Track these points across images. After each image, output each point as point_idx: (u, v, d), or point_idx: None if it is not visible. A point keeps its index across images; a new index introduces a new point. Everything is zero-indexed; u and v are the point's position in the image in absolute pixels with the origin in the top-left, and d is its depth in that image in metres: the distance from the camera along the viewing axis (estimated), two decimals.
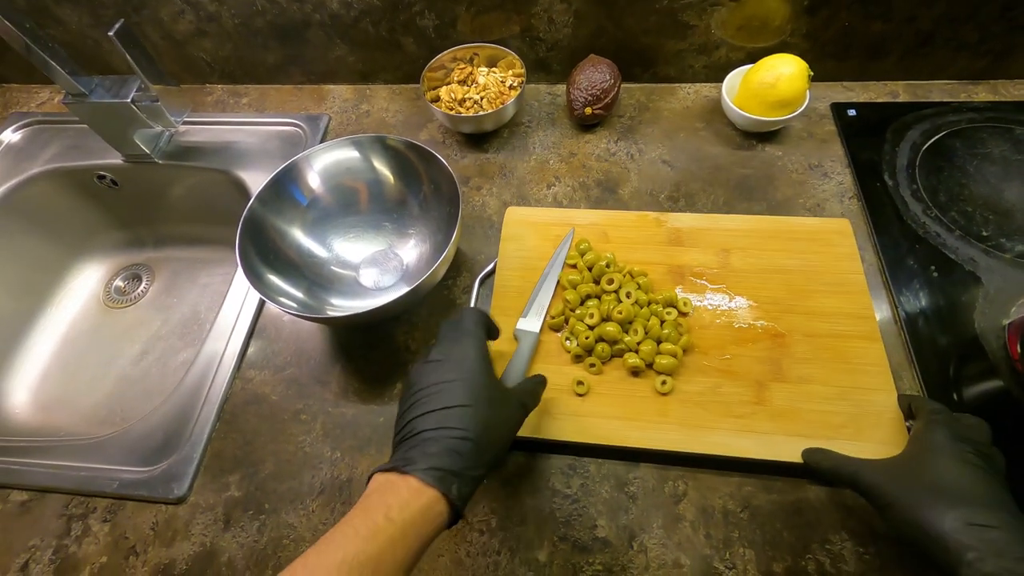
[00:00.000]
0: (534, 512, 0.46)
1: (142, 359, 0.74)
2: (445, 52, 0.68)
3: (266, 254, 0.53)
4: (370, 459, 0.49)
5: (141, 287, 0.81)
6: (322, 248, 0.58)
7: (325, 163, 0.56)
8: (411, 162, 0.55)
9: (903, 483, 0.36)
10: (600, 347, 0.50)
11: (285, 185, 0.55)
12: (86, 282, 0.81)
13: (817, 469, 0.42)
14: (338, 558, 0.29)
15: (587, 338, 0.50)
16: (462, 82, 0.69)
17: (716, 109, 0.69)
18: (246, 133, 0.74)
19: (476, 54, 0.70)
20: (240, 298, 0.59)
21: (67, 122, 0.77)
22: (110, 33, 0.54)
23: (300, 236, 0.57)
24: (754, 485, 0.45)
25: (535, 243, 0.58)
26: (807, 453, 0.44)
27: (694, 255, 0.56)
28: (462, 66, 0.70)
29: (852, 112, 0.66)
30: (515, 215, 0.60)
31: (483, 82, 0.68)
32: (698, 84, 0.71)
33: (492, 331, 0.44)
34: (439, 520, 0.33)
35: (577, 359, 0.50)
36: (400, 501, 0.32)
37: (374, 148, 0.56)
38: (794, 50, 0.64)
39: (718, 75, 0.69)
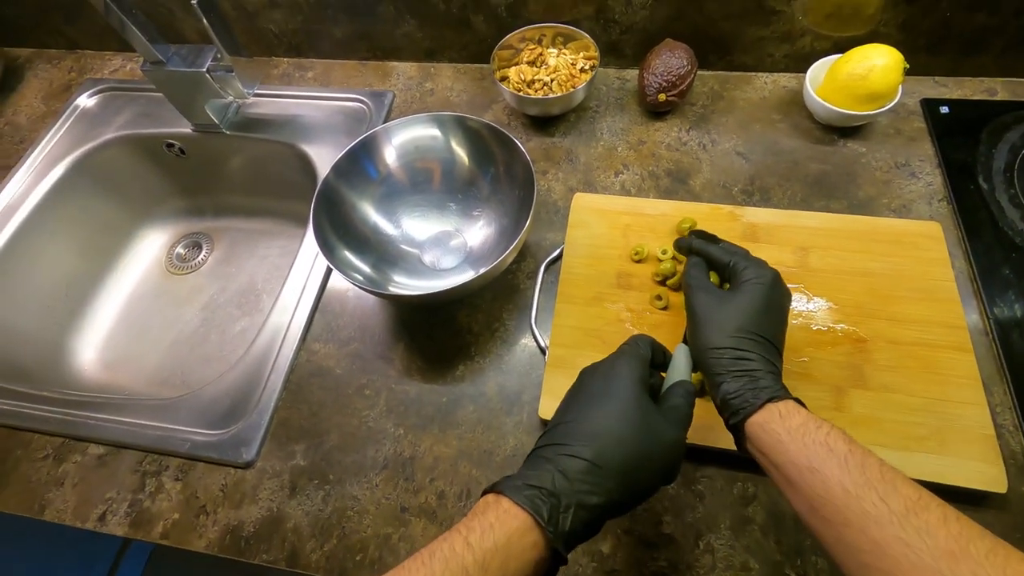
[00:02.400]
0: None
1: (201, 325, 0.76)
2: (515, 32, 0.67)
3: (337, 226, 0.53)
4: (433, 438, 0.49)
5: (201, 255, 0.83)
6: (390, 224, 0.58)
7: (403, 138, 0.56)
8: (487, 144, 0.54)
9: (714, 312, 0.38)
10: None
11: (361, 157, 0.54)
12: (150, 247, 0.83)
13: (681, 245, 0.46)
14: None
15: None
16: (531, 63, 0.67)
17: (795, 101, 0.66)
18: (311, 107, 0.74)
19: (544, 34, 0.68)
20: (305, 270, 0.60)
21: (139, 90, 0.79)
22: (193, 2, 0.54)
23: (370, 210, 0.57)
24: None
25: (603, 231, 0.57)
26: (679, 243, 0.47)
27: (770, 252, 0.53)
28: (532, 47, 0.68)
29: (945, 109, 0.62)
30: (583, 201, 0.59)
31: (553, 64, 0.66)
32: (776, 74, 0.68)
33: (662, 354, 0.39)
34: (530, 554, 0.28)
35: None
36: (484, 524, 0.28)
37: (454, 127, 0.55)
38: (885, 41, 0.60)
39: (799, 65, 0.66)
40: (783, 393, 0.34)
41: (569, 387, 0.36)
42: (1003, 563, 0.23)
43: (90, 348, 0.75)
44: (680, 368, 0.38)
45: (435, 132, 0.56)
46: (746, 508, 0.44)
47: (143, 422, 0.53)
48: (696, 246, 0.45)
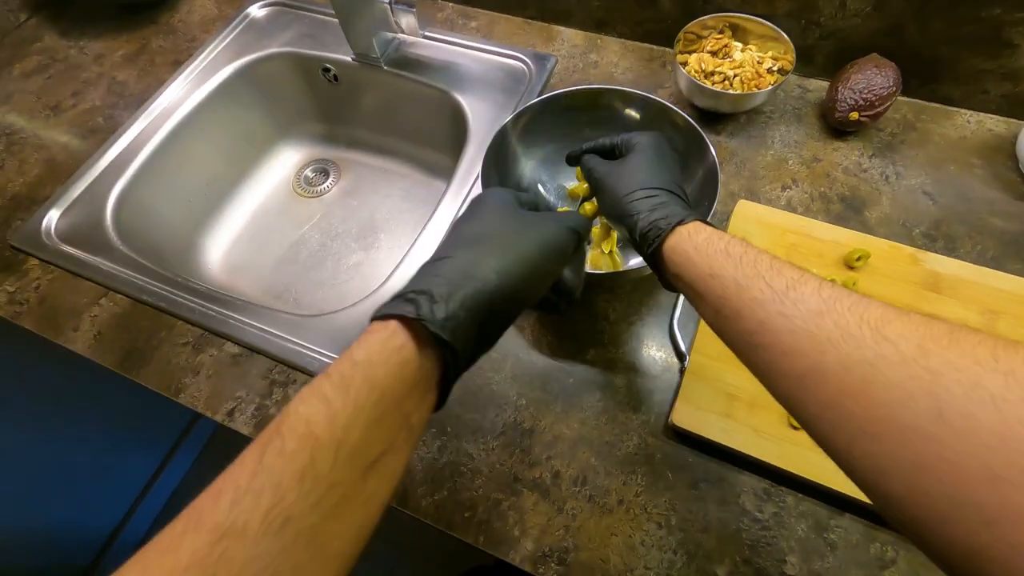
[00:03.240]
0: (718, 525, 0.43)
1: (319, 251, 0.78)
2: (702, 18, 0.63)
3: (502, 174, 0.52)
4: (555, 416, 0.48)
5: (327, 182, 0.84)
6: (545, 189, 0.57)
7: (599, 104, 0.53)
8: (676, 136, 0.51)
9: (615, 178, 0.40)
10: None
11: (545, 114, 0.53)
12: (282, 165, 0.86)
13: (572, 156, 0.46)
14: (262, 438, 0.23)
15: None
16: (714, 53, 0.63)
17: (1002, 148, 0.59)
18: (470, 58, 0.73)
19: (727, 25, 0.64)
20: (449, 217, 0.59)
21: (307, 9, 0.80)
22: None
23: (533, 169, 0.55)
24: None
25: (765, 244, 0.53)
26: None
27: (953, 307, 0.49)
28: (716, 36, 0.64)
29: None
30: (747, 210, 0.56)
31: (739, 59, 0.62)
32: (985, 114, 0.61)
33: (612, 147, 0.44)
34: (402, 355, 0.25)
35: None
36: (348, 354, 0.25)
37: (658, 111, 0.52)
38: None
39: (1014, 109, 0.59)
40: (691, 216, 0.35)
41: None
42: (863, 311, 0.24)
43: (217, 248, 0.78)
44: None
45: (632, 113, 0.53)
46: (882, 572, 0.41)
47: (277, 331, 0.54)
48: (584, 147, 0.45)
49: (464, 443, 0.48)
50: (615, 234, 0.51)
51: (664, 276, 0.36)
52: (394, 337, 0.25)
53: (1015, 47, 0.55)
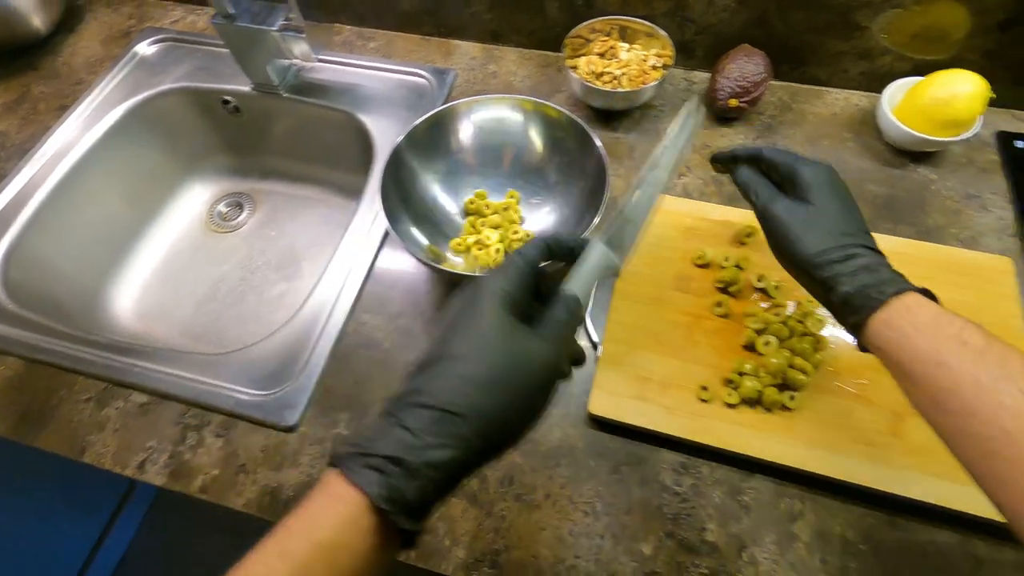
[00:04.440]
0: (641, 504, 0.45)
1: (239, 285, 0.76)
2: (588, 22, 0.66)
3: (402, 195, 0.52)
4: None
5: (242, 215, 0.82)
6: (451, 201, 0.58)
7: (484, 116, 0.55)
8: (564, 135, 0.54)
9: (802, 224, 0.35)
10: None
11: (436, 128, 0.54)
12: (193, 202, 0.83)
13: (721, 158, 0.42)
14: None
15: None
16: (602, 55, 0.66)
17: (866, 120, 0.64)
18: (371, 78, 0.73)
19: (614, 28, 0.67)
20: (359, 238, 0.59)
21: (199, 43, 0.78)
22: None
23: (433, 184, 0.56)
24: (877, 518, 0.43)
25: (664, 231, 0.56)
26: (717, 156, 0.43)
27: None
28: (603, 38, 0.67)
29: (1021, 144, 0.61)
30: None
31: (625, 58, 0.65)
32: (849, 91, 0.67)
33: (554, 249, 0.32)
34: (370, 541, 0.23)
35: (728, 383, 0.47)
36: (307, 521, 0.23)
37: (536, 114, 0.54)
38: (967, 67, 0.59)
39: (874, 84, 0.65)
40: (907, 285, 0.32)
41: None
42: None
43: (126, 296, 0.75)
44: (582, 274, 0.31)
45: (515, 115, 0.55)
46: (792, 524, 0.44)
47: (187, 375, 0.52)
48: (742, 152, 0.41)
49: None
50: (499, 231, 0.53)
51: (863, 343, 0.33)
52: (363, 518, 0.23)
53: (863, 28, 0.61)
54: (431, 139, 0.54)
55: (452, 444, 0.24)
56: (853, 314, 0.33)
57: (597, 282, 0.32)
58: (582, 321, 0.30)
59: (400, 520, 0.23)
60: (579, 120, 0.51)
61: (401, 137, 0.51)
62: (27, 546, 1.16)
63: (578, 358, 0.31)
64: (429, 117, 0.52)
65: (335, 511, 0.23)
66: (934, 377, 0.28)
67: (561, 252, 0.32)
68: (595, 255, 0.32)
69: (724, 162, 0.43)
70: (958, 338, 0.28)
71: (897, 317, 0.31)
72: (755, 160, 0.40)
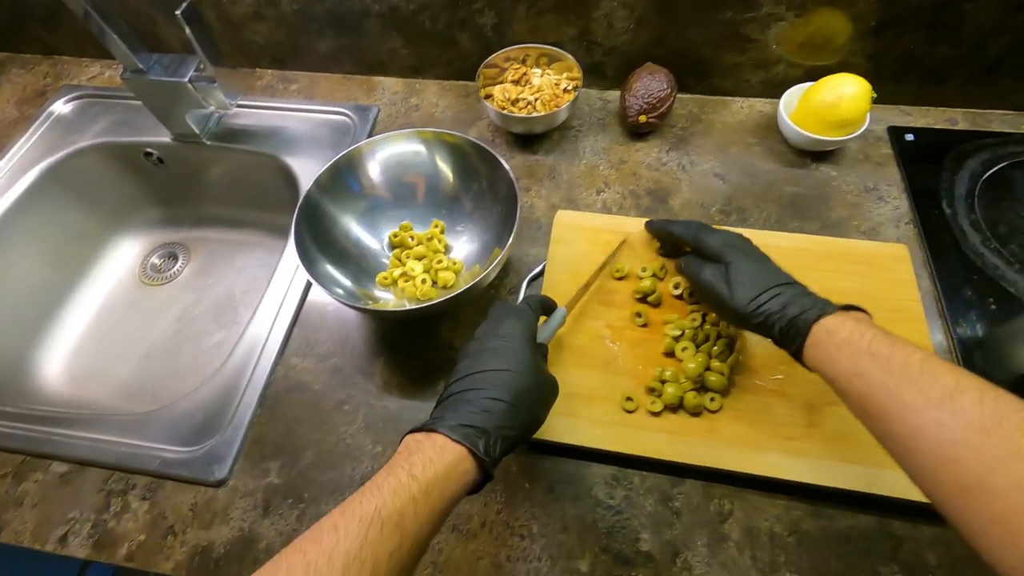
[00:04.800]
0: (576, 521, 0.45)
1: (175, 337, 0.75)
2: (501, 51, 0.68)
3: (318, 240, 0.53)
4: None
5: (177, 266, 0.81)
6: (373, 238, 0.58)
7: (387, 154, 0.56)
8: (471, 161, 0.55)
9: (730, 284, 0.43)
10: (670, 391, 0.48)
11: (344, 172, 0.54)
12: (123, 257, 0.81)
13: (660, 232, 0.54)
14: (359, 512, 0.29)
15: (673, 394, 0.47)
16: (516, 82, 0.69)
17: (770, 125, 0.68)
18: (295, 119, 0.74)
19: (528, 55, 0.69)
20: (285, 282, 0.59)
21: (117, 97, 0.77)
22: (177, 12, 0.54)
23: (352, 225, 0.57)
24: (802, 509, 0.45)
25: (584, 248, 0.58)
26: (649, 224, 0.55)
27: None
28: (516, 66, 0.69)
29: (910, 137, 0.65)
30: (565, 219, 0.60)
31: (538, 83, 0.68)
32: (753, 99, 0.71)
33: (547, 307, 0.46)
34: (465, 478, 0.32)
35: (651, 391, 0.49)
36: (424, 459, 0.31)
37: (437, 143, 0.56)
38: (854, 70, 0.63)
39: (774, 91, 0.68)
40: (825, 309, 0.36)
41: (471, 343, 0.40)
42: None
43: (56, 360, 0.72)
44: (548, 331, 0.45)
45: (419, 148, 0.56)
46: (722, 525, 0.45)
47: (110, 438, 0.51)
48: (656, 228, 0.54)
49: (323, 505, 0.47)
50: (414, 258, 0.56)
51: (808, 367, 0.38)
52: (463, 463, 0.32)
53: (754, 40, 0.64)
54: (340, 183, 0.55)
55: (515, 426, 0.35)
56: (790, 344, 0.38)
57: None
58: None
59: (490, 467, 0.33)
60: (483, 144, 0.53)
61: (310, 185, 0.52)
62: None
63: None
64: (332, 164, 0.53)
65: (446, 457, 0.32)
66: (856, 388, 0.32)
67: (547, 309, 0.46)
68: (557, 316, 0.46)
69: (657, 233, 0.55)
70: (868, 351, 0.32)
71: (821, 340, 0.35)
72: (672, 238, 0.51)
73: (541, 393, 0.38)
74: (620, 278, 0.55)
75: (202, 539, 0.46)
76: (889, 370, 0.31)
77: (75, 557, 0.46)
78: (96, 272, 0.79)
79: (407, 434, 0.34)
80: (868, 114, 0.60)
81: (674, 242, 0.54)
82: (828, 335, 0.35)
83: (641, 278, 0.54)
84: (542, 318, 0.46)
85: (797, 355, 0.38)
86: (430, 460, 0.31)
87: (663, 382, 0.48)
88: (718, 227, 0.48)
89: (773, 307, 0.39)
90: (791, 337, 0.37)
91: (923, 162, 0.63)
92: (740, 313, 0.41)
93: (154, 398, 0.69)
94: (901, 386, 0.30)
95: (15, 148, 0.73)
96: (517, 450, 0.48)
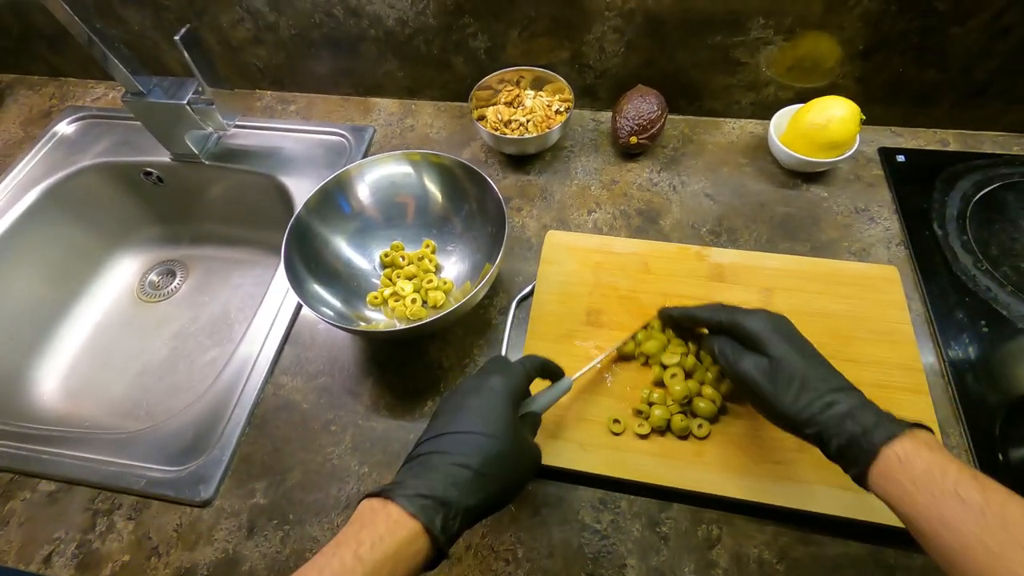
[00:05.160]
0: (562, 545, 0.45)
1: (170, 355, 0.75)
2: (494, 74, 0.69)
3: (309, 261, 0.53)
4: None
5: (175, 283, 0.82)
6: (363, 259, 0.59)
7: (376, 175, 0.57)
8: (460, 181, 0.56)
9: (775, 382, 0.37)
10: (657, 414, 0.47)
11: (334, 194, 0.55)
12: (122, 274, 0.82)
13: (683, 319, 0.47)
14: None
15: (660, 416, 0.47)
16: (509, 104, 0.70)
17: (761, 146, 0.68)
18: (292, 140, 0.75)
19: (522, 77, 0.71)
20: (277, 302, 0.60)
21: (119, 118, 0.79)
22: (176, 37, 0.56)
23: (343, 246, 0.57)
24: (791, 536, 0.44)
25: (574, 268, 0.58)
26: (665, 312, 0.49)
27: (736, 292, 0.55)
28: (509, 88, 0.70)
29: (901, 158, 0.65)
30: (555, 239, 0.60)
31: (530, 105, 0.68)
32: (743, 120, 0.71)
33: (549, 371, 0.42)
34: (417, 558, 0.30)
35: (638, 413, 0.48)
36: (374, 536, 0.29)
37: (426, 164, 0.56)
38: (843, 92, 0.64)
39: (764, 112, 0.69)
40: (894, 428, 0.32)
41: (451, 397, 0.38)
42: None
43: (53, 377, 0.73)
44: (544, 399, 0.42)
45: (408, 169, 0.57)
46: (710, 551, 0.44)
47: (98, 457, 0.51)
48: (677, 315, 0.47)
49: (308, 527, 0.47)
50: (404, 278, 0.56)
51: (874, 493, 0.33)
52: (416, 540, 0.30)
53: (744, 64, 0.65)
54: (330, 205, 0.55)
55: (481, 495, 0.32)
56: (851, 468, 0.33)
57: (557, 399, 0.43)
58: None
59: (444, 545, 0.30)
60: (471, 165, 0.53)
61: (299, 208, 0.52)
62: None
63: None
64: (321, 187, 0.54)
65: (398, 533, 0.29)
66: (942, 538, 0.28)
67: (546, 371, 0.42)
68: (560, 387, 0.43)
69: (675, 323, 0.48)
70: (955, 495, 0.28)
71: (892, 470, 0.30)
72: (712, 326, 0.44)
73: (517, 464, 0.35)
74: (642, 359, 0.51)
75: (186, 560, 0.46)
76: (987, 526, 0.26)
77: None
78: (94, 289, 0.80)
79: (364, 498, 0.32)
80: (858, 136, 0.61)
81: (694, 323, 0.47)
82: (901, 465, 0.30)
83: (666, 366, 0.49)
84: (544, 382, 0.43)
85: (860, 480, 0.33)
86: (380, 538, 0.29)
87: (650, 404, 0.48)
88: (749, 307, 0.42)
89: (830, 419, 0.34)
90: (851, 459, 0.32)
91: (914, 183, 0.63)
92: (789, 419, 0.36)
93: (148, 415, 0.69)
94: (1007, 551, 0.25)
95: (18, 168, 0.75)
96: None
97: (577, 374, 0.45)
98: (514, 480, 0.35)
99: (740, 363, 0.39)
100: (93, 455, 0.51)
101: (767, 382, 0.37)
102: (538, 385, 0.43)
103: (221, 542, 0.46)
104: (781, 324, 0.39)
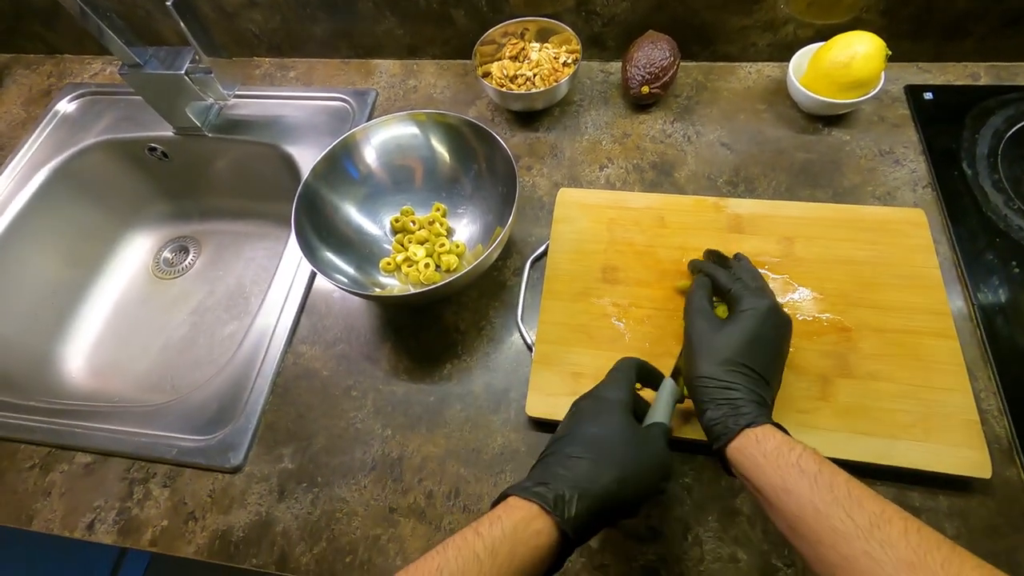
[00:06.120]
0: None
1: (190, 330, 0.76)
2: (497, 27, 0.66)
3: (320, 229, 0.53)
4: (421, 438, 0.49)
5: (188, 259, 0.82)
6: (374, 224, 0.58)
7: (382, 138, 0.55)
8: (468, 141, 0.54)
9: (707, 343, 0.39)
10: None
11: (341, 159, 0.54)
12: (136, 252, 0.83)
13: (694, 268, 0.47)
14: (424, 569, 0.29)
15: None
16: (514, 58, 0.67)
17: (779, 90, 0.65)
18: (294, 107, 0.73)
19: (527, 29, 0.68)
20: (290, 272, 0.60)
21: (119, 93, 0.78)
22: (168, 3, 0.54)
23: (353, 211, 0.56)
24: None
25: (588, 225, 0.57)
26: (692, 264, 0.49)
27: (755, 243, 0.54)
28: (514, 41, 0.68)
29: (928, 95, 0.62)
30: (568, 196, 0.59)
31: (536, 58, 0.66)
32: (760, 63, 0.68)
33: (646, 373, 0.42)
34: (539, 540, 0.30)
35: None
36: (492, 517, 0.31)
37: (432, 125, 0.55)
38: (867, 27, 0.60)
39: (783, 54, 0.65)
40: (761, 419, 0.35)
41: (563, 396, 0.40)
42: (957, 571, 0.25)
43: (78, 355, 0.74)
44: (660, 407, 0.40)
45: (414, 130, 0.55)
46: (734, 499, 0.44)
47: (130, 429, 0.52)
48: (703, 267, 0.46)
49: (336, 489, 0.48)
50: (416, 243, 0.55)
51: (728, 469, 0.36)
52: (535, 521, 0.31)
53: (761, 1, 0.62)
54: (336, 171, 0.54)
55: (598, 483, 0.33)
56: (714, 441, 0.36)
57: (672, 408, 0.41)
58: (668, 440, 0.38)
59: (565, 524, 0.31)
60: (479, 123, 0.52)
61: (306, 174, 0.51)
62: None
63: (670, 474, 0.38)
64: (327, 153, 0.53)
65: (515, 515, 0.31)
66: (785, 503, 0.31)
67: (642, 374, 0.41)
68: (668, 391, 0.41)
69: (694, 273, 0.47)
70: (797, 466, 0.31)
71: (748, 446, 0.34)
72: (710, 275, 0.44)
73: (636, 456, 0.35)
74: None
75: (221, 523, 0.47)
76: (817, 488, 0.30)
77: (105, 544, 0.47)
78: (111, 268, 0.80)
79: (493, 504, 0.34)
80: (883, 73, 0.57)
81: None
82: (756, 442, 0.34)
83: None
84: (650, 393, 0.42)
85: (717, 455, 0.36)
86: (498, 518, 0.31)
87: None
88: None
89: (717, 396, 0.36)
90: (716, 434, 0.36)
91: (942, 122, 0.60)
92: (690, 377, 0.39)
93: (173, 388, 0.71)
94: (830, 509, 0.29)
95: (24, 149, 0.74)
96: (523, 429, 0.48)
97: (669, 377, 0.43)
98: (636, 472, 0.34)
99: (695, 319, 0.41)
100: (124, 427, 0.52)
101: (702, 344, 0.39)
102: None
103: (253, 505, 0.48)
104: (767, 312, 0.39)
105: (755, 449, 0.33)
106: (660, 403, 0.40)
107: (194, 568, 0.61)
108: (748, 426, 0.34)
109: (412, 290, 0.46)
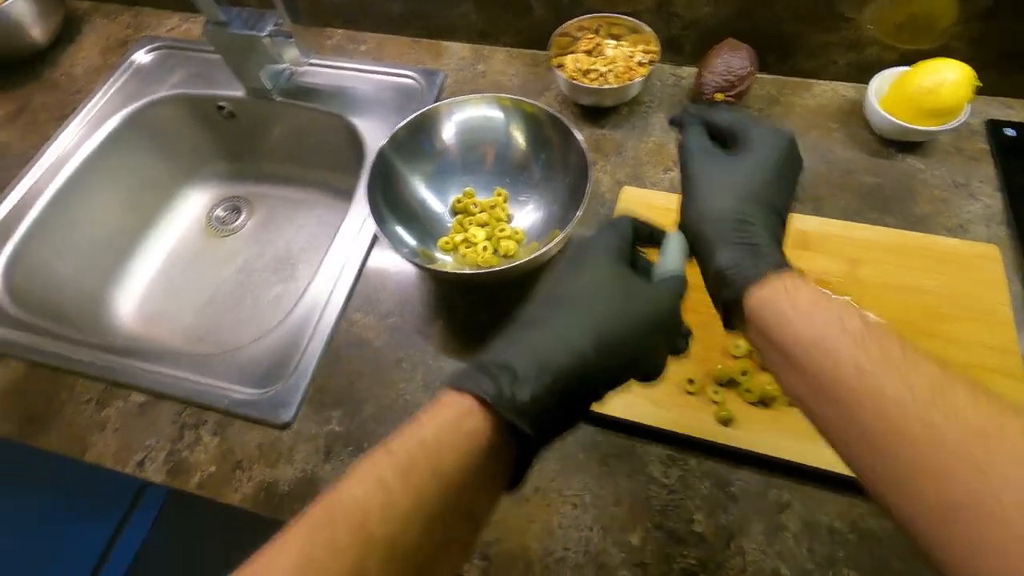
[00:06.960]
0: (629, 495, 0.45)
1: (236, 288, 0.77)
2: (573, 20, 0.66)
3: (388, 198, 0.53)
4: None
5: (240, 219, 0.84)
6: (438, 202, 0.59)
7: (464, 116, 0.56)
8: (544, 131, 0.54)
9: (712, 179, 0.31)
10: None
11: (420, 130, 0.55)
12: (191, 207, 0.84)
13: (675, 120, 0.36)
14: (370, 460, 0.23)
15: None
16: (588, 52, 0.67)
17: (854, 111, 0.64)
18: (362, 80, 0.74)
19: (602, 25, 0.67)
20: (350, 240, 0.60)
21: (194, 50, 0.79)
22: None
23: (420, 185, 0.57)
24: (865, 508, 0.43)
25: None
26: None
27: (819, 261, 0.53)
28: (589, 36, 0.68)
29: (1011, 132, 0.60)
30: (630, 195, 0.59)
31: (611, 55, 0.66)
32: (837, 82, 0.67)
33: (646, 234, 0.33)
34: (471, 444, 0.23)
35: (730, 383, 0.48)
36: (415, 422, 0.24)
37: (514, 110, 0.55)
38: (954, 56, 0.59)
39: (861, 75, 0.64)
40: (788, 265, 0.28)
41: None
42: None
43: (129, 301, 0.76)
44: (670, 257, 0.32)
45: (496, 113, 0.56)
46: (780, 515, 0.44)
47: (183, 375, 0.54)
48: (691, 110, 0.36)
49: None
50: (485, 228, 0.55)
51: (734, 323, 0.30)
52: (467, 419, 0.23)
53: (849, 20, 0.61)
54: (414, 141, 0.55)
55: (567, 351, 0.24)
56: (726, 288, 0.28)
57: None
58: (683, 297, 0.30)
59: (508, 413, 0.23)
60: (558, 115, 0.52)
61: (384, 141, 0.52)
62: (41, 547, 1.19)
63: (685, 332, 0.31)
64: (410, 121, 0.53)
65: (440, 414, 0.24)
66: (816, 362, 0.25)
67: (642, 234, 0.33)
68: (678, 240, 0.32)
69: (678, 120, 0.37)
70: (839, 322, 0.25)
71: (775, 296, 0.27)
72: (705, 117, 0.35)
73: (625, 308, 0.26)
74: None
75: (268, 476, 0.48)
76: (864, 349, 0.24)
77: (150, 481, 0.49)
78: (166, 219, 0.82)
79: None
80: (968, 104, 0.56)
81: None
82: (786, 292, 0.26)
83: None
84: (652, 253, 0.33)
85: (730, 306, 0.29)
86: (420, 424, 0.24)
87: (744, 373, 0.47)
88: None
89: (730, 236, 0.28)
90: (730, 279, 0.28)
91: (1023, 159, 0.58)
92: (695, 220, 0.30)
93: (216, 343, 0.72)
94: (880, 370, 0.23)
95: (99, 95, 0.76)
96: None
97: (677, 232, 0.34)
98: (622, 332, 0.26)
99: (694, 159, 0.33)
100: (179, 372, 0.54)
101: (709, 181, 0.31)
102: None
103: (300, 463, 0.49)
104: (787, 142, 0.32)
105: (784, 300, 0.26)
106: (669, 253, 0.32)
107: (208, 508, 0.63)
108: (774, 271, 0.27)
109: (469, 271, 0.47)
